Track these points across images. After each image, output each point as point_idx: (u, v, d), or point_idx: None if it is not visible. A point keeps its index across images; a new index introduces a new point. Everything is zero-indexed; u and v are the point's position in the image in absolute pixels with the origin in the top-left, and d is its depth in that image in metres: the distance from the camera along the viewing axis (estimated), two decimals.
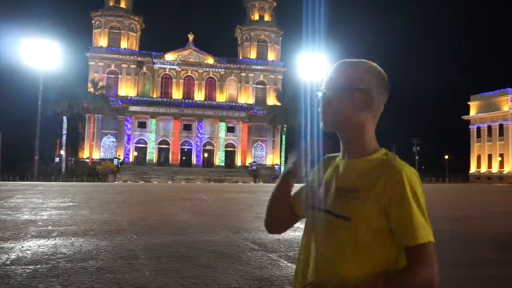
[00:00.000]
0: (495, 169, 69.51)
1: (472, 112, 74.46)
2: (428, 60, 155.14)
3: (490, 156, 70.73)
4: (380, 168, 1.21)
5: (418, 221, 1.16)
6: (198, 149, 65.77)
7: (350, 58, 1.33)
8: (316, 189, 1.34)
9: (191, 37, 69.09)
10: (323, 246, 1.23)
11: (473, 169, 73.61)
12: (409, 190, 1.17)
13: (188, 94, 68.42)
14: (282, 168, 61.78)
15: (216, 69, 69.55)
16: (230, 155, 67.64)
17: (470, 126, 74.93)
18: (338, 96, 1.27)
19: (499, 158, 68.72)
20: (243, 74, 70.48)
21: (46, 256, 6.36)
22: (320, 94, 1.31)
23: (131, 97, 64.51)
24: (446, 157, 74.54)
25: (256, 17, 72.57)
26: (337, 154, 1.38)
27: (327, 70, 1.34)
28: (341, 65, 1.31)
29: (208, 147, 66.81)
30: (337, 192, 1.25)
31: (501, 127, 69.10)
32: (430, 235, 1.16)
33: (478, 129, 73.23)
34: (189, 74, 68.88)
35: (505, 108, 68.03)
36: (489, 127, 71.12)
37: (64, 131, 57.22)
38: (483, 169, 71.63)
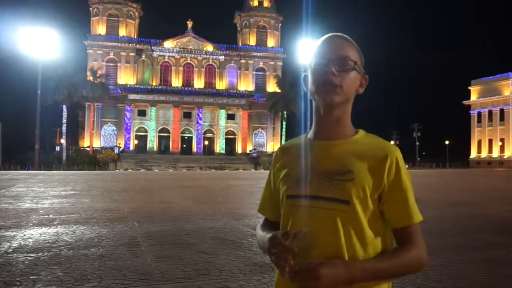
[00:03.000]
0: (495, 154, 69.55)
1: (473, 97, 74.25)
2: (429, 45, 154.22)
3: (490, 141, 70.73)
4: (372, 150, 1.21)
5: (413, 201, 1.20)
6: (198, 137, 65.79)
7: (353, 41, 1.29)
8: (293, 177, 1.25)
9: (190, 24, 68.63)
10: (320, 234, 1.16)
11: (473, 154, 73.67)
12: (403, 171, 1.20)
13: (187, 81, 68.21)
14: None
15: (216, 56, 69.22)
16: (230, 143, 67.69)
17: (471, 111, 74.78)
18: (351, 71, 1.22)
19: (500, 143, 68.73)
20: (242, 61, 70.16)
21: (47, 244, 6.39)
22: (332, 68, 1.20)
23: (130, 85, 64.32)
24: (447, 142, 74.59)
25: (256, 3, 71.98)
26: (294, 139, 1.36)
27: (325, 42, 1.25)
28: (342, 38, 1.26)
29: (208, 135, 66.82)
30: (327, 176, 1.19)
31: (502, 112, 68.96)
32: (420, 215, 1.21)
33: (479, 114, 73.10)
34: (189, 61, 68.57)
35: (506, 92, 67.81)
36: (490, 112, 70.98)
37: (64, 120, 57.20)
38: (484, 154, 71.69)
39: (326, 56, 1.21)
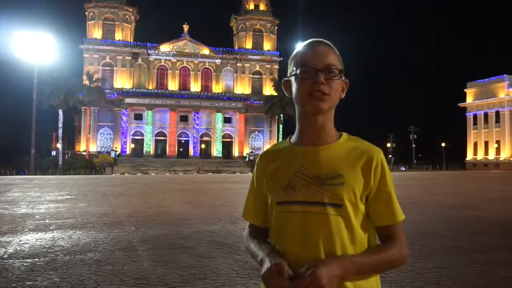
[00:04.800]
0: (491, 156, 69.81)
1: (469, 99, 74.56)
2: (425, 47, 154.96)
3: (486, 143, 71.00)
4: (358, 153, 1.25)
5: (396, 201, 1.25)
6: (195, 141, 65.71)
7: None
8: (281, 183, 1.26)
9: (186, 27, 68.67)
10: (314, 238, 1.18)
11: (469, 156, 73.91)
12: (387, 173, 1.25)
13: (184, 85, 68.19)
14: None
15: (212, 60, 69.26)
16: (227, 146, 67.63)
17: (467, 114, 75.07)
18: (337, 77, 1.26)
19: (496, 145, 69.00)
20: (239, 64, 70.23)
21: (44, 249, 6.35)
22: (321, 77, 1.22)
23: (126, 89, 64.20)
24: (443, 144, 74.84)
25: (251, 6, 72.10)
26: (278, 144, 1.38)
27: (309, 49, 1.27)
28: (326, 45, 1.28)
29: (205, 138, 66.75)
30: (317, 181, 1.21)
31: (497, 114, 69.27)
32: (403, 214, 1.26)
33: (475, 116, 73.40)
34: (185, 65, 68.57)
35: (502, 95, 68.13)
36: (486, 114, 71.28)
37: (60, 124, 56.97)
38: (480, 156, 71.93)
39: (312, 64, 1.24)
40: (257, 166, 1.37)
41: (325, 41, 1.30)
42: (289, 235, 1.22)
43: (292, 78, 1.29)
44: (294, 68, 1.28)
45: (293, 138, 1.33)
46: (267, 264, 1.16)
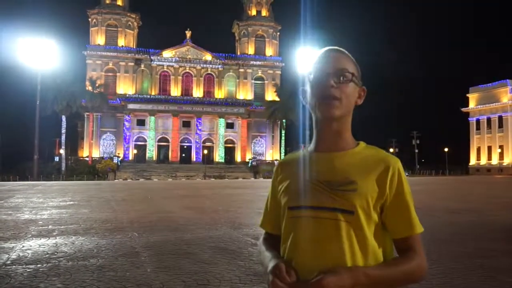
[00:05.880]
0: (495, 161, 69.57)
1: (471, 104, 74.44)
2: (427, 52, 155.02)
3: (489, 148, 70.78)
4: (374, 161, 1.23)
5: (414, 212, 1.22)
6: (197, 146, 65.75)
7: (348, 51, 1.31)
8: (294, 188, 1.26)
9: (188, 33, 68.94)
10: (323, 244, 1.17)
11: (472, 161, 73.68)
12: (405, 183, 1.22)
13: (186, 91, 68.36)
14: None
15: (214, 65, 69.46)
16: (229, 151, 67.64)
17: (470, 118, 74.93)
18: (351, 83, 1.24)
19: (499, 150, 68.78)
20: (241, 70, 70.39)
21: (47, 255, 6.35)
22: (330, 81, 1.22)
23: (129, 95, 64.39)
24: (446, 149, 74.63)
25: (254, 12, 72.37)
26: (296, 152, 1.37)
27: (322, 56, 1.27)
28: (339, 52, 1.28)
29: (207, 144, 66.78)
30: (330, 187, 1.20)
31: (500, 119, 69.11)
32: (421, 225, 1.23)
33: (478, 121, 73.24)
34: (187, 70, 68.77)
35: (504, 99, 68.01)
36: (489, 119, 71.12)
37: (63, 130, 57.17)
38: (483, 161, 71.71)
39: (324, 69, 1.23)
40: (274, 174, 1.37)
41: (340, 48, 1.29)
42: (298, 240, 1.21)
43: (307, 86, 1.28)
44: (309, 76, 1.27)
45: (310, 145, 1.32)
46: (271, 265, 1.16)
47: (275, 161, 65.29)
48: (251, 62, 70.50)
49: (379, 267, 1.15)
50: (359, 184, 1.18)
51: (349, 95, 1.23)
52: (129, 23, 68.45)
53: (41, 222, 10.36)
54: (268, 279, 1.14)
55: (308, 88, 1.28)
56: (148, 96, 64.97)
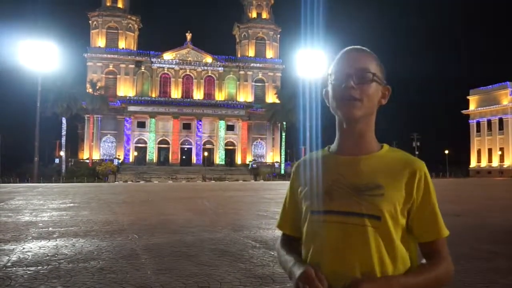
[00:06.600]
0: (495, 163, 69.54)
1: (472, 106, 74.44)
2: (428, 54, 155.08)
3: (490, 150, 70.76)
4: (401, 164, 1.21)
5: (440, 216, 1.21)
6: (198, 148, 65.76)
7: (371, 52, 1.28)
8: (317, 192, 1.22)
9: (189, 36, 69.04)
10: (351, 250, 1.14)
11: (473, 163, 73.65)
12: (431, 187, 1.21)
13: (187, 93, 68.41)
14: (282, 166, 61.85)
15: (215, 68, 69.53)
16: (230, 154, 67.64)
17: (470, 121, 74.92)
18: (373, 83, 1.21)
19: (499, 152, 68.75)
20: (241, 72, 70.46)
21: (47, 257, 6.35)
22: (350, 81, 1.19)
23: (130, 97, 64.45)
24: (446, 152, 74.57)
25: (254, 14, 72.48)
26: (315, 152, 1.33)
27: (343, 56, 1.25)
28: (360, 51, 1.25)
29: (208, 146, 66.79)
30: (356, 191, 1.17)
31: (500, 121, 69.10)
32: (447, 229, 1.23)
33: (478, 123, 73.24)
34: (188, 73, 68.84)
35: (505, 102, 68.02)
36: (489, 121, 71.11)
37: (64, 132, 57.20)
38: (484, 163, 71.67)
39: (344, 70, 1.21)
40: (293, 175, 1.34)
41: (362, 47, 1.26)
42: (323, 245, 1.18)
43: (329, 87, 1.25)
44: (330, 77, 1.25)
45: (332, 146, 1.29)
46: (298, 272, 1.13)
47: (275, 163, 65.30)
48: (252, 64, 70.57)
49: (413, 275, 1.14)
50: (386, 189, 1.16)
51: (371, 95, 1.20)
52: (130, 25, 68.55)
53: (41, 224, 10.36)
54: (297, 285, 1.11)
55: (329, 90, 1.25)
56: (149, 98, 65.05)
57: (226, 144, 67.19)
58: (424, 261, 1.22)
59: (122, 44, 67.14)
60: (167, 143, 65.88)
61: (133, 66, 66.78)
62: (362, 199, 1.16)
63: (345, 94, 1.19)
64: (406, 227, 1.19)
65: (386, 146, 1.26)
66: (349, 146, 1.23)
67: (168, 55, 68.57)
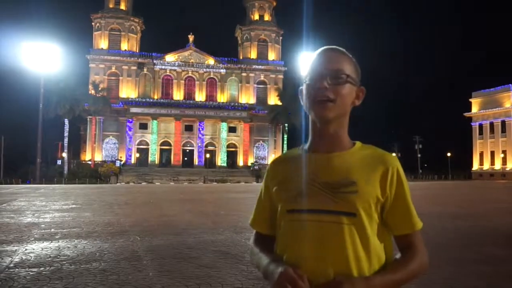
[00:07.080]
0: (498, 166, 69.33)
1: (474, 109, 74.28)
2: (430, 57, 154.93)
3: (492, 153, 70.56)
4: (373, 160, 1.22)
5: (413, 209, 1.23)
6: (200, 150, 65.79)
7: (347, 53, 1.28)
8: (292, 191, 1.22)
9: (191, 37, 69.16)
10: (327, 248, 1.15)
11: (475, 166, 73.45)
12: (404, 181, 1.23)
13: (189, 95, 68.49)
14: None
15: (217, 70, 69.59)
16: (232, 155, 67.65)
17: (472, 123, 74.73)
18: (347, 84, 1.22)
19: (502, 155, 68.54)
20: (243, 74, 70.50)
21: (49, 259, 6.36)
22: (324, 82, 1.20)
23: (132, 98, 64.58)
24: (449, 154, 74.44)
25: (256, 16, 72.58)
26: (290, 151, 1.35)
27: (319, 56, 1.25)
28: (335, 51, 1.26)
29: (210, 148, 66.82)
30: (330, 189, 1.18)
31: (503, 123, 68.91)
32: (421, 221, 1.24)
33: (480, 126, 73.05)
34: (190, 74, 68.93)
35: (507, 104, 67.84)
36: (491, 124, 70.92)
37: (66, 134, 57.28)
38: (486, 166, 71.46)
39: (318, 70, 1.22)
40: (267, 173, 1.35)
41: (337, 48, 1.27)
42: (300, 244, 1.18)
43: (304, 86, 1.26)
44: (306, 76, 1.25)
45: (306, 145, 1.30)
46: (277, 272, 1.12)
47: None
48: (254, 66, 70.63)
49: (390, 273, 1.16)
50: (359, 185, 1.17)
51: (345, 96, 1.21)
52: (132, 27, 68.70)
53: (43, 225, 10.38)
54: (277, 284, 1.11)
55: (304, 89, 1.26)
56: (151, 100, 65.15)
57: (228, 146, 67.21)
58: (399, 255, 1.23)
59: (124, 46, 67.27)
60: (169, 144, 65.93)
61: (135, 67, 66.90)
62: (337, 197, 1.17)
63: (319, 94, 1.20)
64: (381, 222, 1.21)
65: (358, 144, 1.28)
66: (322, 145, 1.25)
67: (170, 57, 68.67)
